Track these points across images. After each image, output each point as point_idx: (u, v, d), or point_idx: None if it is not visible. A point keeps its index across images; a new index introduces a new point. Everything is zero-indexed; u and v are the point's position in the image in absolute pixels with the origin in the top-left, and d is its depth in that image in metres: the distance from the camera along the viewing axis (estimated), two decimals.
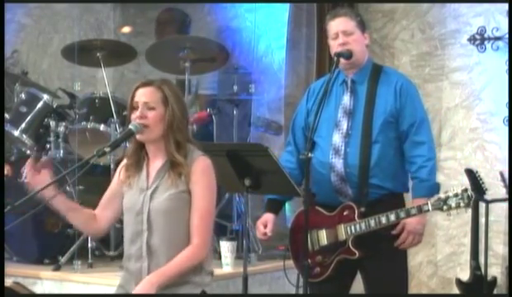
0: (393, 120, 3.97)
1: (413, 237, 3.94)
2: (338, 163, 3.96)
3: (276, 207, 4.18)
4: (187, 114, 3.39)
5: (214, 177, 3.36)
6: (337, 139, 3.99)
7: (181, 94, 3.38)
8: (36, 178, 3.34)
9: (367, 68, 4.06)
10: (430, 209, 3.82)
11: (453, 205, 3.78)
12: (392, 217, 3.85)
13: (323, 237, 3.98)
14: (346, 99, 4.03)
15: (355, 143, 3.95)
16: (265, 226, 4.11)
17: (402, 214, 3.85)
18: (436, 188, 3.97)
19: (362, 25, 4.05)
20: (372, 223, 3.86)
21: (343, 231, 3.93)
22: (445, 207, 3.79)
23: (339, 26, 3.99)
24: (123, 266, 3.48)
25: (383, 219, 3.85)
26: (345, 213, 3.94)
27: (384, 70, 4.10)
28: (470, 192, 3.81)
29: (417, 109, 4.02)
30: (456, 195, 3.79)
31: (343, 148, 3.96)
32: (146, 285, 3.22)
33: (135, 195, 3.35)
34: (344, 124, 3.99)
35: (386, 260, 3.94)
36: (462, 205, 3.79)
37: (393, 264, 3.99)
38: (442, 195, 3.80)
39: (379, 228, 3.86)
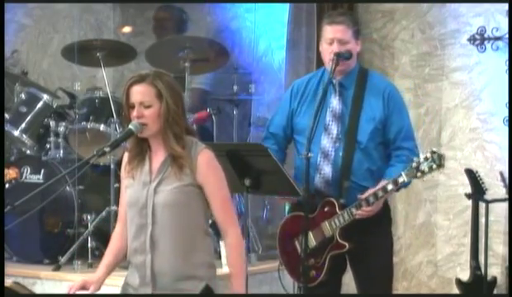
0: (381, 128, 4.03)
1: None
2: (327, 167, 4.00)
3: None
4: (183, 104, 3.37)
5: (220, 167, 3.36)
6: (326, 143, 4.02)
7: (175, 84, 3.35)
8: None
9: (353, 72, 4.10)
10: (406, 179, 3.87)
11: (426, 169, 3.83)
12: (371, 198, 3.91)
13: (311, 239, 4.01)
14: (335, 102, 4.06)
15: (344, 149, 3.99)
16: None
17: (380, 193, 3.91)
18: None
19: (357, 34, 4.10)
20: (354, 209, 3.91)
21: (328, 226, 3.98)
22: (419, 174, 3.84)
23: (336, 34, 4.02)
24: (127, 263, 3.47)
25: (363, 203, 3.90)
26: (326, 209, 3.99)
27: (370, 74, 4.14)
28: (439, 152, 3.84)
29: (403, 116, 4.09)
30: (426, 159, 3.83)
31: (333, 152, 4.01)
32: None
33: (138, 190, 3.33)
34: (334, 129, 4.03)
35: (373, 249, 4.00)
36: (434, 167, 3.83)
37: (380, 252, 4.06)
38: (413, 163, 3.84)
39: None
